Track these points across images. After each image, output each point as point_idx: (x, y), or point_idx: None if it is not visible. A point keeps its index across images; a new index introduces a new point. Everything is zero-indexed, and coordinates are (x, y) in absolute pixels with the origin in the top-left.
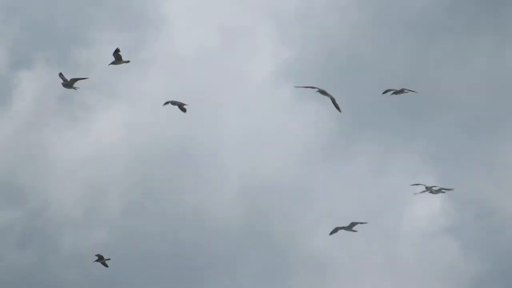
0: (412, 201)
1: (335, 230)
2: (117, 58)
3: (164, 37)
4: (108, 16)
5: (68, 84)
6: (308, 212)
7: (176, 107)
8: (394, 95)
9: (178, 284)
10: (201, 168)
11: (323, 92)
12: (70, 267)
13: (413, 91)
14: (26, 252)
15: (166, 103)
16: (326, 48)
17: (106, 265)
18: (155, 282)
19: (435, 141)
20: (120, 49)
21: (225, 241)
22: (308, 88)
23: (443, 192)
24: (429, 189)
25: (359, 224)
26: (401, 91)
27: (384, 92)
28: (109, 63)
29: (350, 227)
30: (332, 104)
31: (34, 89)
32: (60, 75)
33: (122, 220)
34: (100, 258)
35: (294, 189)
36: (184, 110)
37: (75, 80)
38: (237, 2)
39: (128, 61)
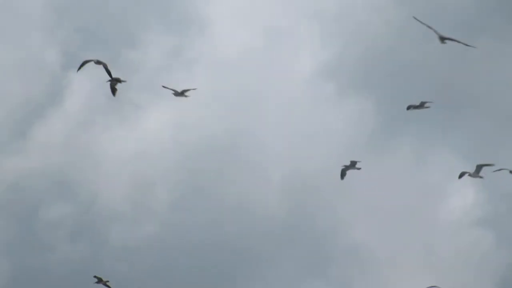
0: (448, 193)
1: (343, 173)
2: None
3: (209, 38)
4: (155, 18)
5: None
6: (348, 205)
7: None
8: (417, 110)
9: (224, 275)
10: (246, 164)
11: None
12: (119, 260)
13: (431, 102)
14: (77, 246)
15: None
16: (367, 46)
17: (109, 286)
18: (202, 274)
19: (472, 135)
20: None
21: (268, 234)
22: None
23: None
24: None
25: (358, 162)
26: (421, 105)
27: (408, 108)
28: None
29: (353, 166)
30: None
31: (84, 89)
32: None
33: (169, 214)
34: (100, 280)
35: (336, 182)
36: (184, 95)
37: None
38: (279, 2)
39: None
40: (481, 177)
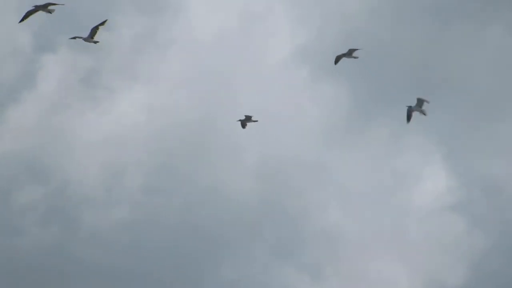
0: (422, 178)
1: (243, 125)
2: None
3: (183, 21)
4: (129, 1)
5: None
6: (322, 188)
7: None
8: (346, 59)
9: (196, 257)
10: (220, 148)
11: None
12: (91, 244)
13: (360, 49)
14: (48, 229)
15: (73, 37)
16: (343, 30)
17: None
18: (173, 257)
19: (448, 118)
20: None
21: (242, 216)
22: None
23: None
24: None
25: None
26: (349, 53)
27: (337, 61)
28: None
29: (249, 119)
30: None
31: (57, 72)
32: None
33: (142, 198)
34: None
35: (310, 166)
36: (48, 11)
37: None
38: None
39: None
40: (424, 113)
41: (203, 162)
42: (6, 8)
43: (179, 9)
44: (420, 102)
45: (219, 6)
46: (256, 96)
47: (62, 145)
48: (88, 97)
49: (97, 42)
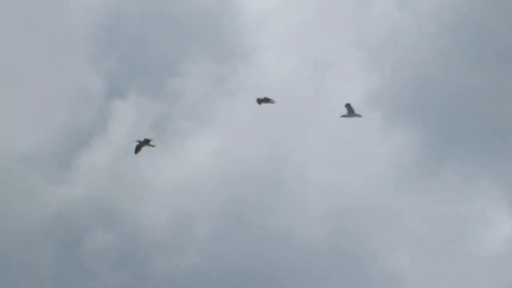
0: (489, 223)
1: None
2: None
3: (254, 67)
4: (200, 47)
5: None
6: (390, 233)
7: None
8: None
9: None
10: (290, 192)
11: None
12: None
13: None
14: (120, 274)
15: None
16: (413, 74)
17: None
18: None
19: None
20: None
21: (311, 261)
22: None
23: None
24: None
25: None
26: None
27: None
28: None
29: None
30: None
31: (129, 118)
32: None
33: (212, 244)
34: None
35: (379, 212)
36: None
37: None
38: (324, 31)
39: None
40: (359, 115)
41: (273, 209)
42: (79, 55)
43: (250, 56)
44: (349, 107)
45: (290, 52)
46: (327, 142)
47: (133, 190)
48: (159, 143)
49: None
